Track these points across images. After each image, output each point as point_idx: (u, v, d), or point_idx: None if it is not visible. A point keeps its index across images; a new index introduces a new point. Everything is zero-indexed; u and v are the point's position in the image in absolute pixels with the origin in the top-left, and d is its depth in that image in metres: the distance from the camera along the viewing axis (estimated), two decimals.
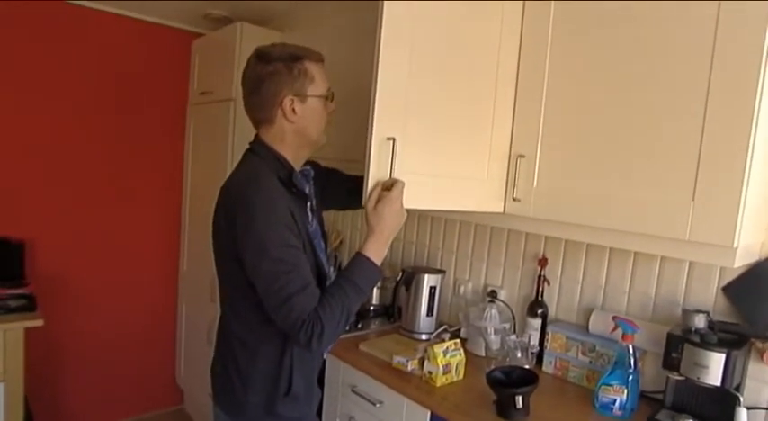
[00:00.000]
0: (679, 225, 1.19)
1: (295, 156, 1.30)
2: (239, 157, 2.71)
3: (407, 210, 1.26)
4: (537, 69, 1.45)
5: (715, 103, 1.13)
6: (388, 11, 1.21)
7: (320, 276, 1.26)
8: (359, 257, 1.21)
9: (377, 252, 1.22)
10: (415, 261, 2.26)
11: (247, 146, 1.32)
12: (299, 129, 1.26)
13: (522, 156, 1.48)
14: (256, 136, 1.30)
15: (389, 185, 1.22)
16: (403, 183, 1.23)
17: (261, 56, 1.24)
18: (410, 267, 2.02)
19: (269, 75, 1.22)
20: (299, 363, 1.28)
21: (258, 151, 1.27)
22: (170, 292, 3.05)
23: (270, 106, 1.24)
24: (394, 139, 1.23)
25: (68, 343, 2.71)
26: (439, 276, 1.96)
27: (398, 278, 1.95)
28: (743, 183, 1.10)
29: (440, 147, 1.39)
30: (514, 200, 1.48)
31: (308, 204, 1.31)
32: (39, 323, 2.10)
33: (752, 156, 1.09)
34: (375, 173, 1.24)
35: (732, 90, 1.11)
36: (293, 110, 1.23)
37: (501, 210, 1.53)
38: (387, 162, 1.24)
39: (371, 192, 1.22)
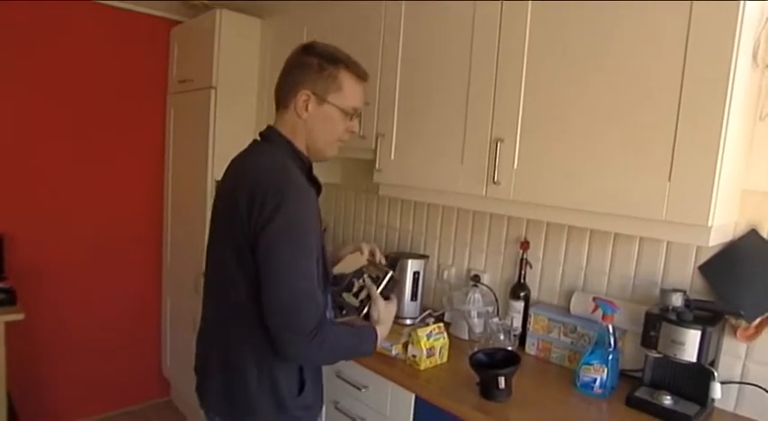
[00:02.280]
0: (656, 205, 1.21)
1: (306, 154, 1.28)
2: (221, 146, 2.70)
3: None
4: (516, 56, 1.46)
5: (689, 89, 1.15)
6: None
7: (326, 277, 1.24)
8: (373, 331, 1.26)
9: (380, 339, 1.28)
10: (399, 247, 2.27)
11: (258, 135, 1.29)
12: (308, 129, 1.24)
13: (501, 139, 1.48)
14: (269, 126, 1.27)
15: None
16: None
17: (307, 47, 1.24)
18: (394, 253, 2.03)
19: (300, 64, 1.22)
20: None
21: (274, 140, 1.24)
22: (154, 284, 3.02)
23: (288, 92, 1.23)
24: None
25: (51, 337, 2.68)
26: (422, 261, 1.97)
27: None
28: (716, 164, 1.13)
29: (424, 134, 1.40)
30: (495, 183, 1.49)
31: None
32: (19, 317, 2.08)
33: (725, 138, 1.12)
34: None
35: (705, 75, 1.13)
36: (306, 106, 1.21)
37: (482, 193, 1.54)
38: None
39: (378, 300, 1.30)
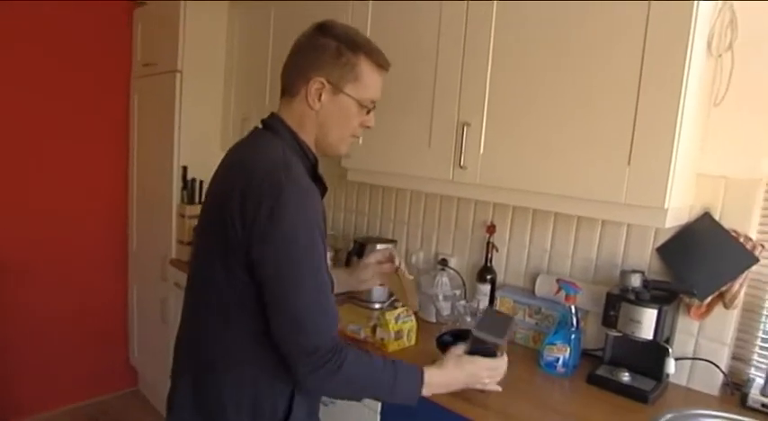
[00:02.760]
0: (616, 189, 1.26)
1: (312, 150, 1.14)
2: (187, 132, 2.64)
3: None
4: (482, 44, 1.48)
5: (648, 76, 1.19)
6: None
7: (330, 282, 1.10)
8: (417, 371, 1.08)
9: (433, 385, 1.09)
10: (368, 232, 2.28)
11: (260, 123, 1.14)
12: (320, 121, 1.09)
13: (468, 123, 1.50)
14: (274, 115, 1.12)
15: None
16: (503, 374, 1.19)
17: (322, 26, 1.08)
18: (362, 238, 2.04)
19: (315, 46, 1.06)
20: None
21: (278, 131, 1.09)
22: (119, 272, 2.97)
23: (297, 77, 1.08)
24: None
25: (13, 330, 2.60)
26: (390, 246, 1.98)
27: (350, 249, 1.97)
28: (673, 149, 1.18)
29: (392, 118, 1.40)
30: (461, 167, 1.51)
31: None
32: None
33: (681, 125, 1.17)
34: None
35: (662, 64, 1.17)
36: (319, 96, 1.06)
37: (449, 177, 1.56)
38: None
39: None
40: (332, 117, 1.09)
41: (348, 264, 1.99)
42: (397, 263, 1.34)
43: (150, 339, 2.78)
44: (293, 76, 1.09)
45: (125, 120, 2.86)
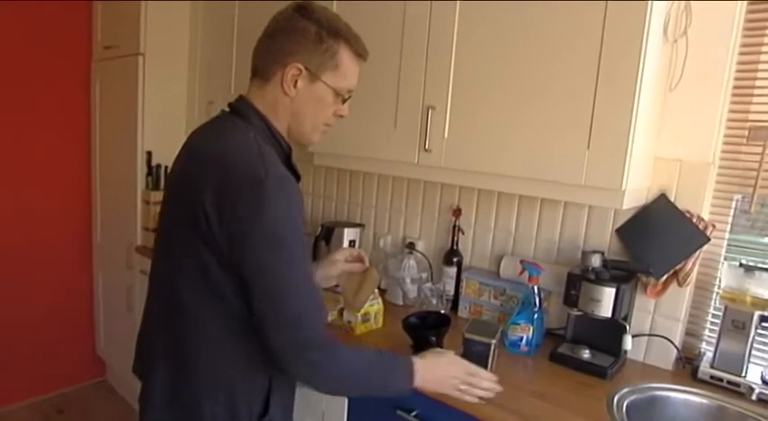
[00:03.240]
0: (576, 171, 1.29)
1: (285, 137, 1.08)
2: (151, 116, 2.57)
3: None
4: (446, 29, 1.49)
5: (606, 62, 1.22)
6: None
7: None
8: (409, 362, 1.05)
9: (422, 378, 1.05)
10: (336, 216, 2.28)
11: (227, 106, 1.07)
12: (294, 109, 1.04)
13: (433, 107, 1.51)
14: (243, 98, 1.06)
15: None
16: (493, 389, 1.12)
17: (302, 8, 1.02)
18: (330, 222, 2.04)
19: (294, 29, 1.00)
20: (278, 381, 1.06)
21: (248, 117, 1.02)
22: (84, 261, 2.90)
23: (273, 61, 1.01)
24: None
25: None
26: (358, 230, 1.99)
27: (317, 233, 1.97)
28: (629, 132, 1.21)
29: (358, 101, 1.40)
30: (426, 150, 1.53)
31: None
32: None
33: (637, 108, 1.20)
34: None
35: (619, 50, 1.20)
36: (295, 82, 1.01)
37: (415, 160, 1.57)
38: None
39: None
40: (307, 105, 1.04)
41: (316, 248, 1.99)
42: (367, 263, 1.31)
43: (117, 329, 2.73)
44: (268, 59, 1.03)
45: (86, 106, 2.77)
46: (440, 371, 1.09)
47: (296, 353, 0.94)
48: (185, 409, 1.02)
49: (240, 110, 1.04)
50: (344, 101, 1.09)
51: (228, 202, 0.90)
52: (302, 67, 1.00)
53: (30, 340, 2.72)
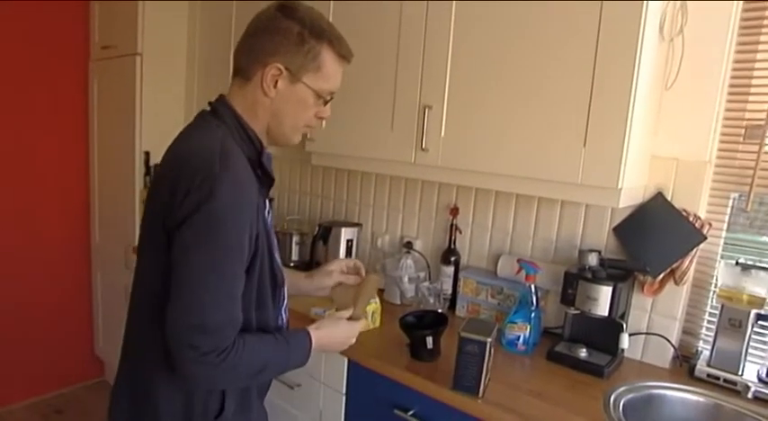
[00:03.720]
0: (572, 170, 1.29)
1: (260, 137, 1.06)
2: (149, 117, 2.58)
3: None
4: (442, 28, 1.49)
5: (602, 61, 1.23)
6: None
7: (275, 283, 1.07)
8: (307, 337, 1.07)
9: (317, 347, 1.09)
10: (334, 216, 2.28)
11: (207, 105, 1.06)
12: (274, 110, 1.03)
13: (429, 106, 1.51)
14: (222, 97, 1.05)
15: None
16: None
17: (285, 7, 1.01)
18: (327, 222, 2.04)
19: (276, 29, 0.99)
20: None
21: (223, 117, 1.01)
22: (82, 261, 2.90)
23: (254, 61, 1.00)
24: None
25: None
26: (355, 229, 1.99)
27: (315, 233, 1.97)
28: (625, 131, 1.21)
29: (355, 101, 1.40)
30: (423, 150, 1.53)
31: (270, 191, 1.11)
32: None
33: (633, 107, 1.20)
34: None
35: (616, 49, 1.20)
36: (275, 82, 1.00)
37: (411, 160, 1.57)
38: None
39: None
40: (287, 106, 1.03)
41: (314, 248, 1.99)
42: (363, 272, 1.32)
43: (115, 329, 2.72)
44: (250, 59, 1.01)
45: (84, 105, 2.77)
46: (337, 336, 1.15)
47: (179, 351, 0.90)
48: (144, 407, 1.02)
49: (216, 109, 1.03)
50: (326, 102, 1.07)
51: (181, 193, 0.90)
52: (283, 68, 0.99)
53: (28, 340, 2.72)
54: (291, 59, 0.99)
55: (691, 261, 1.42)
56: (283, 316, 1.15)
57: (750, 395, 1.25)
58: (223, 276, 0.91)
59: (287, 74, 0.99)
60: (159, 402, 1.00)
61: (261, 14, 1.03)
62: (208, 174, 0.88)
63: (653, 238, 1.46)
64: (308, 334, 1.07)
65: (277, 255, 1.09)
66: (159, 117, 2.48)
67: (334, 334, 1.15)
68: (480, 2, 1.42)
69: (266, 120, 1.04)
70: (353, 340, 1.20)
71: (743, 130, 1.40)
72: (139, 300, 1.05)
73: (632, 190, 1.38)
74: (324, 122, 1.14)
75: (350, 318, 1.18)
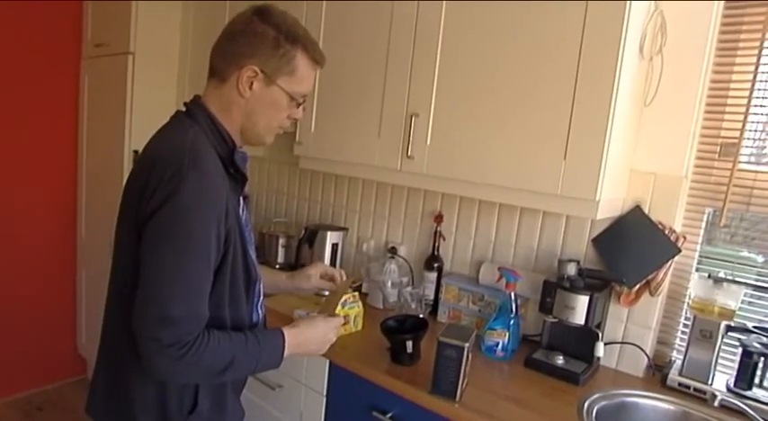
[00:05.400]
0: (553, 181, 1.33)
1: (234, 137, 1.09)
2: (139, 115, 2.58)
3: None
4: (431, 38, 1.52)
5: (583, 77, 1.27)
6: None
7: (249, 280, 1.09)
8: (280, 336, 1.08)
9: (292, 346, 1.09)
10: (320, 219, 2.30)
11: (183, 106, 1.09)
12: (248, 110, 1.06)
13: (416, 114, 1.55)
14: (197, 98, 1.09)
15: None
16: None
17: (261, 11, 1.04)
18: (313, 225, 2.06)
19: (252, 33, 1.02)
20: None
21: (197, 117, 1.04)
22: (67, 258, 2.89)
23: (230, 63, 1.03)
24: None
25: None
26: (341, 233, 2.01)
27: (301, 236, 1.99)
28: (604, 145, 1.26)
29: (344, 107, 1.42)
30: (409, 157, 1.56)
31: (244, 189, 1.13)
32: None
33: (612, 122, 1.25)
34: None
35: (596, 66, 1.25)
36: (251, 84, 1.03)
37: (397, 167, 1.60)
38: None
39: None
40: (261, 107, 1.06)
41: (299, 251, 2.01)
42: (338, 282, 1.37)
43: (98, 326, 2.70)
44: (226, 61, 1.05)
45: (74, 103, 2.77)
46: (313, 334, 1.15)
47: (144, 344, 0.92)
48: (119, 402, 1.04)
49: (190, 109, 1.06)
50: (299, 105, 1.11)
51: (150, 189, 0.92)
52: (258, 70, 1.02)
53: (10, 336, 2.70)
54: (267, 62, 1.02)
55: (666, 273, 1.46)
56: (259, 312, 1.17)
57: (716, 403, 1.28)
58: (187, 270, 0.93)
59: (262, 76, 1.03)
60: (135, 397, 1.02)
61: (237, 18, 1.06)
62: (176, 171, 0.91)
63: (630, 250, 1.50)
64: (282, 333, 1.08)
65: (252, 252, 1.12)
66: (149, 116, 2.48)
67: (310, 332, 1.16)
68: (468, 17, 1.45)
69: (240, 120, 1.07)
70: (333, 338, 1.20)
71: (718, 148, 1.45)
72: (114, 296, 1.07)
73: (611, 202, 1.42)
74: (298, 123, 1.16)
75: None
